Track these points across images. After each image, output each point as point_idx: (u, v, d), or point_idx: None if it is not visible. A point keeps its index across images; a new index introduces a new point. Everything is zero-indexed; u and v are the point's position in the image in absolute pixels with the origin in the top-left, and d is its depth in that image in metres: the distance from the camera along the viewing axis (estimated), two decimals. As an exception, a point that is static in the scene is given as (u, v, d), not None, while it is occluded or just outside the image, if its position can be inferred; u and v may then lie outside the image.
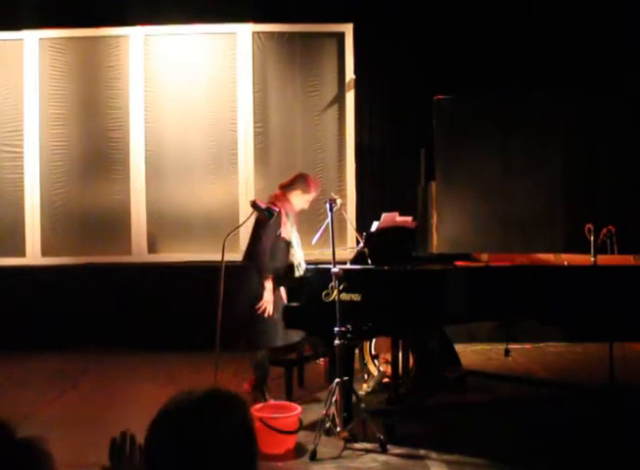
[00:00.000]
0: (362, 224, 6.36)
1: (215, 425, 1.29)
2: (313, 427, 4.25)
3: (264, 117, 7.38)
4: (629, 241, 5.03)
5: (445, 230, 6.61)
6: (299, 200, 5.02)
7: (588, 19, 7.06)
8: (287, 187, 5.03)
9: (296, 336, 4.97)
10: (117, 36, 7.35)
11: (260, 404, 4.44)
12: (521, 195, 6.52)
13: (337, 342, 4.23)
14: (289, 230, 4.96)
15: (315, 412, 4.65)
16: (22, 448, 1.37)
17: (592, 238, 4.83)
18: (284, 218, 4.89)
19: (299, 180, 5.03)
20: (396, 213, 5.05)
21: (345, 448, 4.16)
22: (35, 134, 7.32)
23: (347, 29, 7.31)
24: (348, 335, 4.27)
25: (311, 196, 5.05)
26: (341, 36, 7.33)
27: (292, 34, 7.35)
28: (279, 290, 4.97)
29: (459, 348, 6.04)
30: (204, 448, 1.26)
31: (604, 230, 4.93)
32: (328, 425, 4.22)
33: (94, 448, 4.28)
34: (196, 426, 1.28)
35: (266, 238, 4.82)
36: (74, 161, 7.39)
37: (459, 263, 5.09)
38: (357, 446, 4.19)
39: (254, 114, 7.33)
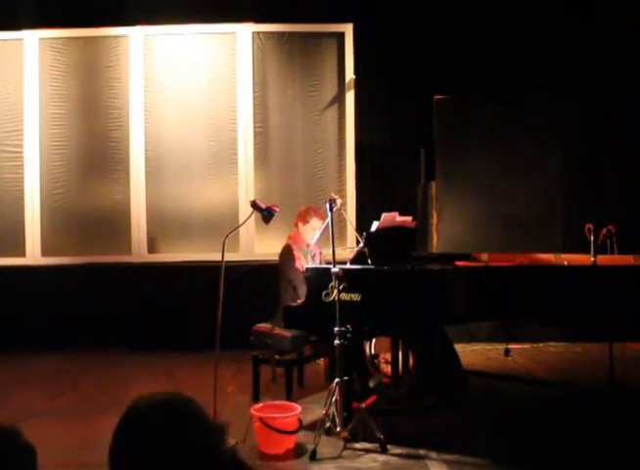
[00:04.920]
0: (362, 224, 6.36)
1: (181, 430, 1.27)
2: (313, 427, 4.25)
3: (264, 117, 7.37)
4: (629, 241, 5.03)
5: (445, 230, 6.60)
6: (304, 231, 5.31)
7: (588, 18, 7.06)
8: (295, 225, 5.40)
9: None
10: (117, 36, 7.35)
11: (260, 404, 4.43)
12: (521, 195, 6.51)
13: (336, 342, 4.23)
14: (303, 262, 5.23)
15: (315, 412, 4.66)
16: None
17: (592, 238, 4.83)
18: (296, 253, 5.23)
19: (299, 215, 5.38)
20: (396, 213, 5.04)
21: (345, 448, 4.15)
22: (35, 134, 7.32)
23: (347, 29, 7.30)
24: (348, 335, 4.27)
25: (313, 223, 5.27)
26: (341, 36, 7.33)
27: (292, 34, 7.35)
28: None
29: (459, 348, 6.03)
30: (169, 453, 1.24)
31: (604, 230, 4.93)
32: (328, 425, 4.22)
33: (93, 448, 4.29)
34: (160, 431, 1.26)
35: (293, 272, 5.15)
36: (74, 161, 7.39)
37: (459, 263, 5.09)
38: (357, 445, 4.19)
39: (254, 114, 7.33)
